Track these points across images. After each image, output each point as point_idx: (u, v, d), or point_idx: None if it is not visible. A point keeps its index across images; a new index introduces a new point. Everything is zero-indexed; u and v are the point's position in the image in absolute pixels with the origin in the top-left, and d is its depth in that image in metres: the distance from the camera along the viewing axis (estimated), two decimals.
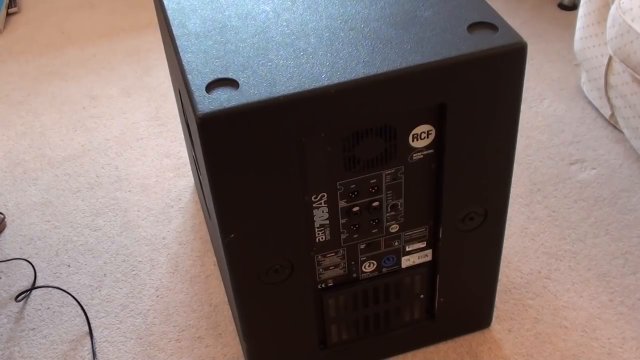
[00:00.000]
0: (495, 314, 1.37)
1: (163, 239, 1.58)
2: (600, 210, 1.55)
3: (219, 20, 1.07)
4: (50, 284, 1.50)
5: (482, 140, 1.05)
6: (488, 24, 1.00)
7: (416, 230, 1.16)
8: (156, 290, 1.48)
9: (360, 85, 0.95)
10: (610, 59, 1.62)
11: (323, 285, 1.17)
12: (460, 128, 1.03)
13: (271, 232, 1.05)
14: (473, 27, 1.00)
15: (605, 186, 1.60)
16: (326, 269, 1.15)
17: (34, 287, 1.49)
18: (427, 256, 1.20)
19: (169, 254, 1.54)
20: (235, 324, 1.35)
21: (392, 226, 1.14)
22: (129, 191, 1.69)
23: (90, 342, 1.39)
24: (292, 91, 0.93)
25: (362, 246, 1.15)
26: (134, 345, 1.38)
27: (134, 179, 1.72)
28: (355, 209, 1.09)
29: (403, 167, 1.07)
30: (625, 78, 1.57)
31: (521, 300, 1.40)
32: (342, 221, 1.10)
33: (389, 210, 1.11)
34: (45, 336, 1.41)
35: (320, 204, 1.07)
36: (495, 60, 0.97)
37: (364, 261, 1.17)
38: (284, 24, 1.05)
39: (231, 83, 0.95)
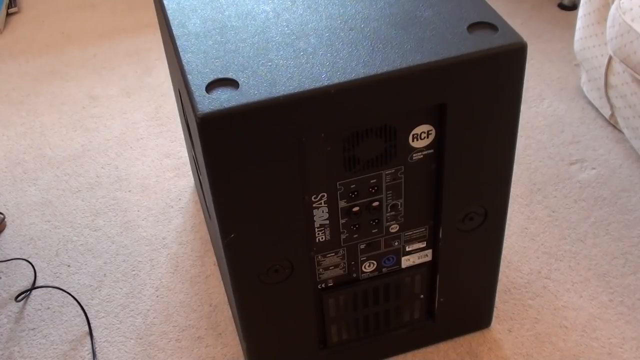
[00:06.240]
0: (495, 314, 1.37)
1: (163, 239, 1.58)
2: (600, 210, 1.55)
3: (219, 20, 1.07)
4: (50, 284, 1.50)
5: (482, 140, 1.05)
6: (488, 24, 1.00)
7: (416, 230, 1.16)
8: (156, 290, 1.48)
9: (360, 85, 0.95)
10: (610, 59, 1.62)
11: (323, 285, 1.17)
12: (460, 128, 1.03)
13: (271, 232, 1.05)
14: (473, 27, 1.00)
15: (605, 186, 1.60)
16: (326, 269, 1.15)
17: (34, 287, 1.49)
18: (427, 256, 1.20)
19: (169, 254, 1.54)
20: (235, 324, 1.35)
21: (392, 226, 1.14)
22: (129, 191, 1.69)
23: (90, 342, 1.39)
24: (292, 91, 0.93)
25: (362, 246, 1.15)
26: (134, 345, 1.38)
27: (134, 179, 1.72)
28: (355, 209, 1.09)
29: (403, 167, 1.06)
30: (625, 78, 1.57)
31: (521, 300, 1.40)
32: (342, 221, 1.10)
33: (389, 210, 1.11)
34: (45, 336, 1.41)
35: (320, 204, 1.07)
36: (495, 60, 0.97)
37: (364, 261, 1.17)
38: (284, 24, 1.05)
39: (231, 83, 0.95)
